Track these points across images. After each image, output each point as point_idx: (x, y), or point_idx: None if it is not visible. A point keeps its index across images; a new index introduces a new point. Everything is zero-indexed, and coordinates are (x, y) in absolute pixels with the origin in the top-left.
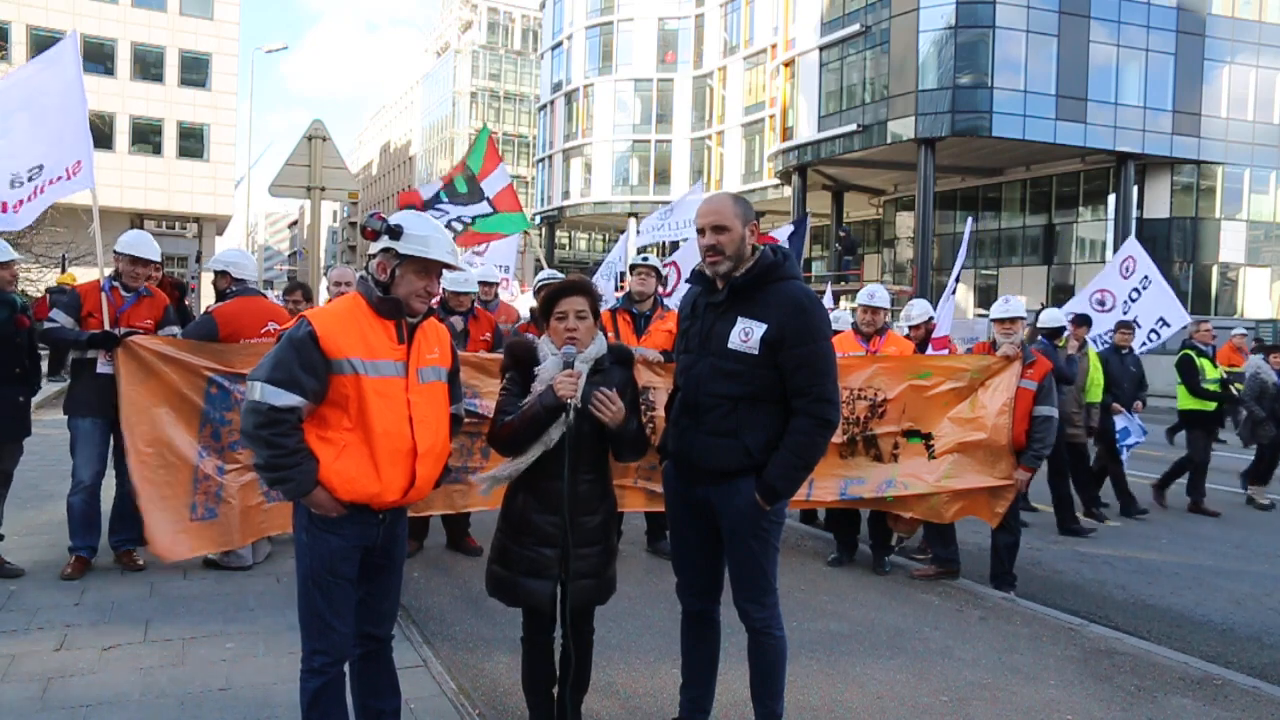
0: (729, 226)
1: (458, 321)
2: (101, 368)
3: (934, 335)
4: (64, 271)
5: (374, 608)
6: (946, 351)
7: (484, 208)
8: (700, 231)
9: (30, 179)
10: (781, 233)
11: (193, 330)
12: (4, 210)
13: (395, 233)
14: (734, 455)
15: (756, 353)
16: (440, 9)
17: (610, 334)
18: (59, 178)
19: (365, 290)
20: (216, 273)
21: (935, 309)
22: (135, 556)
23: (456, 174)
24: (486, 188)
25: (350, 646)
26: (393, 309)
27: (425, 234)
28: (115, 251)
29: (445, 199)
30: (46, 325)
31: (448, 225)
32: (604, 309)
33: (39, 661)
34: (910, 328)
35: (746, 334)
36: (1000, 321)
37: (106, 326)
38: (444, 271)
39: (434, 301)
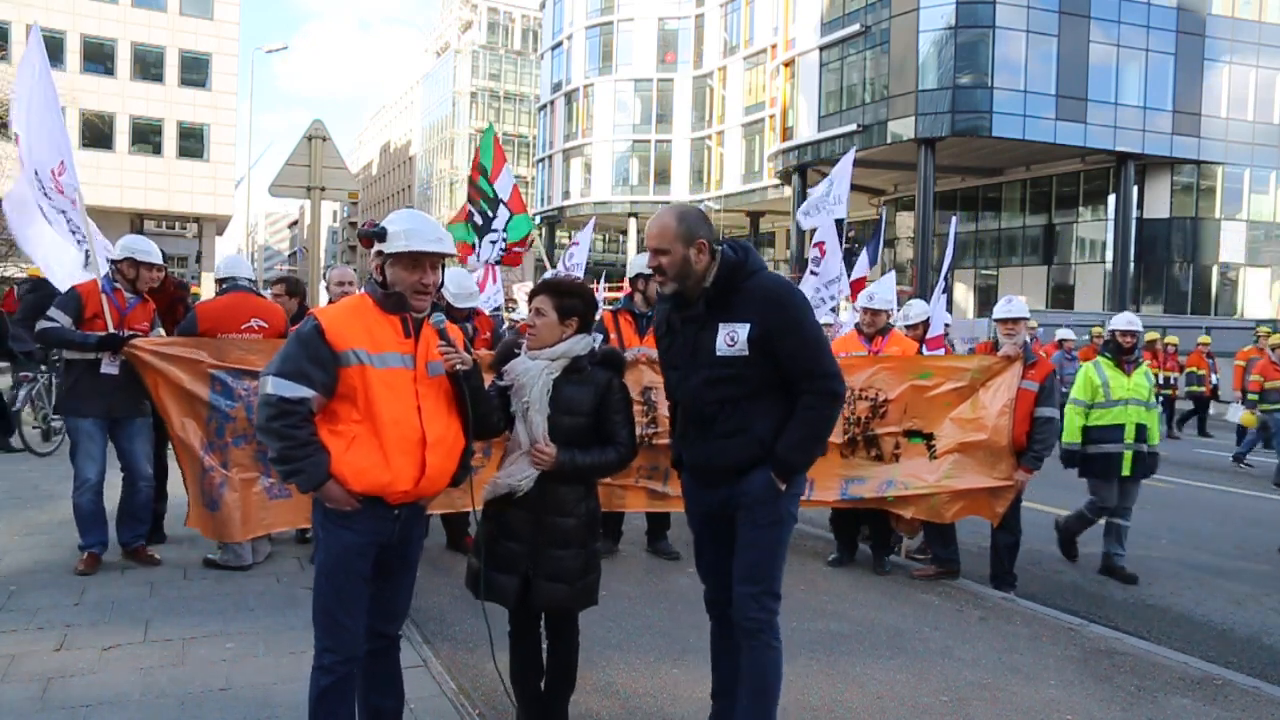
0: (668, 249)
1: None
2: (106, 367)
3: (928, 336)
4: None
5: (386, 605)
6: (942, 351)
7: (504, 213)
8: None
9: (43, 183)
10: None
11: (181, 328)
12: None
13: (380, 236)
14: (748, 449)
15: (747, 353)
16: (440, 9)
17: (612, 335)
18: (59, 173)
19: (371, 289)
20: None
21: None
22: (150, 552)
23: (478, 177)
24: (500, 189)
25: (361, 645)
26: (396, 303)
27: (406, 229)
28: (127, 259)
29: (489, 212)
30: (44, 325)
31: (499, 248)
32: (606, 310)
33: (39, 661)
34: (908, 327)
35: (732, 338)
36: (1003, 322)
37: (111, 328)
38: (446, 284)
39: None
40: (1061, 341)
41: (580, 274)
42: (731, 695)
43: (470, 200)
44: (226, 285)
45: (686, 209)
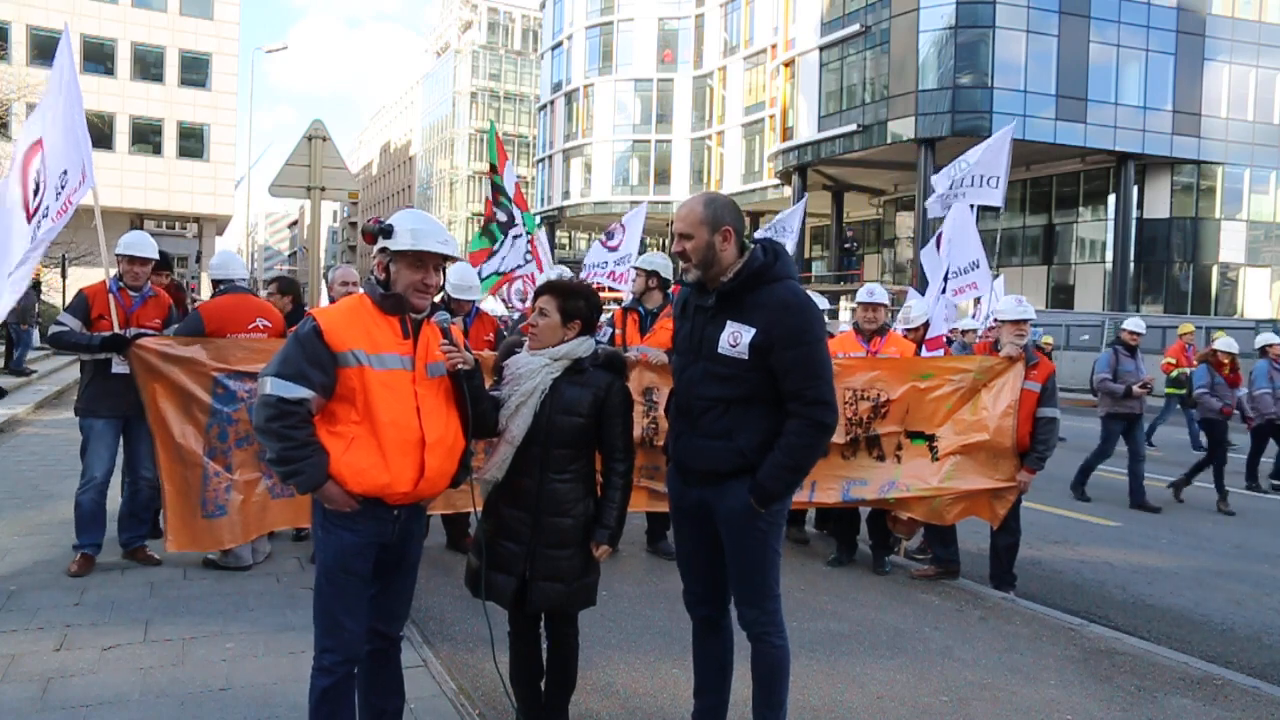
0: (692, 234)
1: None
2: (117, 367)
3: (928, 336)
4: (63, 272)
5: (387, 606)
6: (941, 353)
7: (515, 209)
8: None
9: (63, 187)
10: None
11: (182, 327)
12: (49, 217)
13: (387, 232)
14: (727, 457)
15: (746, 357)
16: (440, 9)
17: (618, 333)
18: (79, 184)
19: (370, 289)
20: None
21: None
22: (149, 552)
23: (493, 174)
24: (505, 185)
25: (362, 645)
26: (395, 305)
27: (414, 228)
28: (115, 253)
29: (512, 209)
30: (54, 329)
31: (525, 242)
32: (617, 308)
33: (39, 661)
34: (908, 330)
35: (735, 338)
36: (1013, 322)
37: (116, 328)
38: (448, 276)
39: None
40: (1265, 349)
41: (628, 268)
42: (714, 693)
43: (495, 201)
44: (225, 286)
45: (717, 196)
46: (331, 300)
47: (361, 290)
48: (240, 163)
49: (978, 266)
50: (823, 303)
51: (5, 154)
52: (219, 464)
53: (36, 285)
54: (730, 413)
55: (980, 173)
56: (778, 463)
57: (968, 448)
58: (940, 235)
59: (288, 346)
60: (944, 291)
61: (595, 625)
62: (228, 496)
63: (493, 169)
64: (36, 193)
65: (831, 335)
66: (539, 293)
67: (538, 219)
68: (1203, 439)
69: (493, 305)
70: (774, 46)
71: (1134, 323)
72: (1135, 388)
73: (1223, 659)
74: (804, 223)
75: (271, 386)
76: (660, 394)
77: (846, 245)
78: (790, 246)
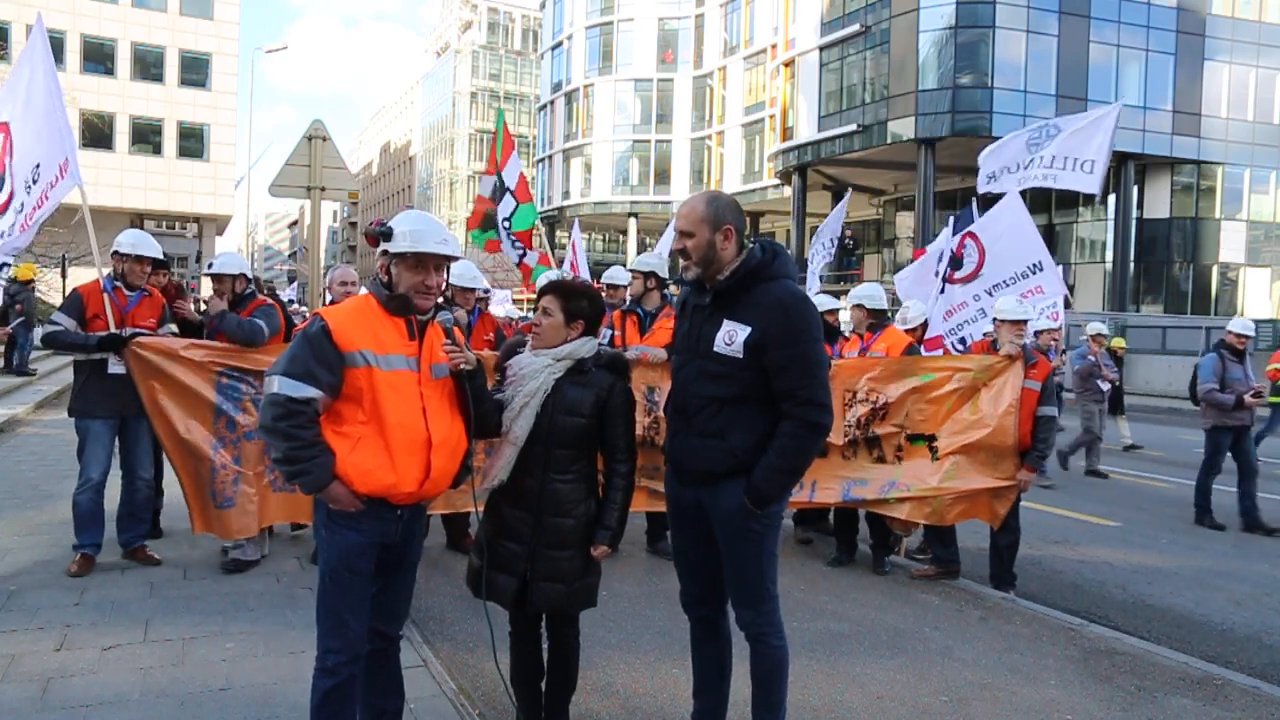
0: (694, 232)
1: (461, 316)
2: (113, 367)
3: (927, 336)
4: (62, 272)
5: (387, 606)
6: (940, 352)
7: (510, 202)
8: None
9: (35, 181)
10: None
11: (275, 323)
12: (22, 220)
13: (387, 235)
14: (720, 457)
15: (741, 356)
16: (440, 9)
17: (617, 334)
18: (55, 179)
19: (375, 290)
20: (232, 276)
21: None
22: (149, 552)
23: (493, 173)
24: (507, 176)
25: (364, 645)
26: (401, 306)
27: (413, 230)
28: (117, 252)
29: (498, 200)
30: (49, 329)
31: (511, 236)
32: (616, 310)
33: (39, 661)
34: (906, 330)
35: (730, 337)
36: (1015, 323)
37: (112, 327)
38: (450, 268)
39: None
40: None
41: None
42: (713, 693)
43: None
44: (255, 289)
45: (719, 195)
46: (331, 301)
47: (363, 290)
48: (240, 163)
49: (1040, 269)
50: (832, 302)
51: None
52: (228, 455)
53: (31, 284)
54: (724, 412)
55: (1072, 155)
56: (771, 464)
57: (968, 447)
58: (961, 235)
59: (295, 345)
60: (942, 292)
61: (595, 625)
62: (235, 489)
63: (496, 166)
64: (1, 185)
65: (846, 337)
66: (542, 293)
67: (539, 218)
68: None
69: (501, 305)
70: (774, 46)
71: (1241, 324)
72: (1248, 397)
73: (1223, 659)
74: (804, 223)
75: (279, 385)
76: (662, 392)
77: (846, 245)
78: (828, 255)
